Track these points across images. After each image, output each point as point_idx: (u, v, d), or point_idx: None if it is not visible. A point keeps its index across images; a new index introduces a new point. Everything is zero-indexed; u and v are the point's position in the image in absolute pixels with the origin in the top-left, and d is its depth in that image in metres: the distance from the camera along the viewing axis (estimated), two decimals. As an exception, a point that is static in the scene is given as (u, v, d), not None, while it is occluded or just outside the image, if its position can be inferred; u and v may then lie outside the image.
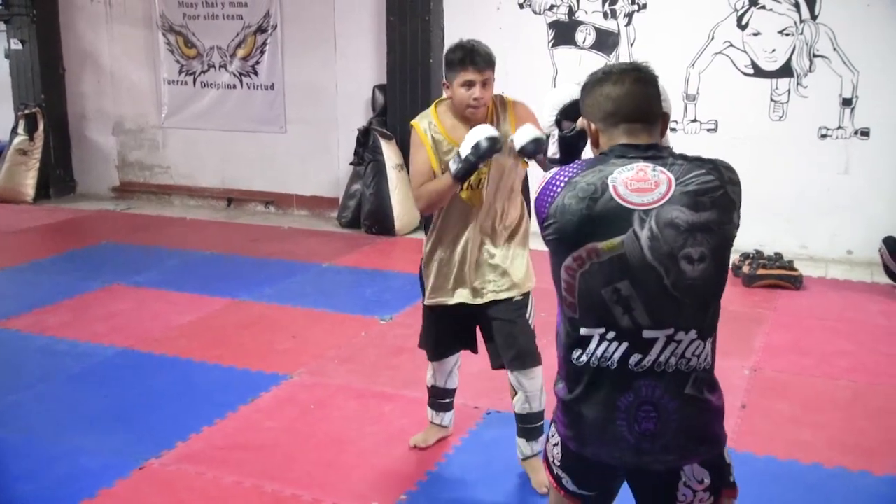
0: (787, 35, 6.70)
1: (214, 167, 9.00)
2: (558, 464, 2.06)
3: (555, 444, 2.07)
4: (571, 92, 2.20)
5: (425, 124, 3.21)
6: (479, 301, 3.28)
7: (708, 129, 6.92)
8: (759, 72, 6.81)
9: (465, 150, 2.98)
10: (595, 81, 1.99)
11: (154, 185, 9.34)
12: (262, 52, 8.52)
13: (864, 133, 6.64)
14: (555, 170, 1.95)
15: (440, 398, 3.63)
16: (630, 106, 1.93)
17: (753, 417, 3.96)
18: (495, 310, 3.27)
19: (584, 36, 7.29)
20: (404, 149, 7.73)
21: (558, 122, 2.22)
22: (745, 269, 6.05)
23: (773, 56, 6.77)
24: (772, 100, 6.82)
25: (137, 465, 3.50)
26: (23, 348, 4.87)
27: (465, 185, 3.15)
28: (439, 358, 3.51)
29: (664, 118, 2.00)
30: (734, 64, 6.85)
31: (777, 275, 6.00)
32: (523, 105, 3.30)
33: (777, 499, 3.26)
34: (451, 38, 7.64)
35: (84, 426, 3.88)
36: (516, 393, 3.30)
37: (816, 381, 4.42)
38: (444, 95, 3.20)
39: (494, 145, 2.97)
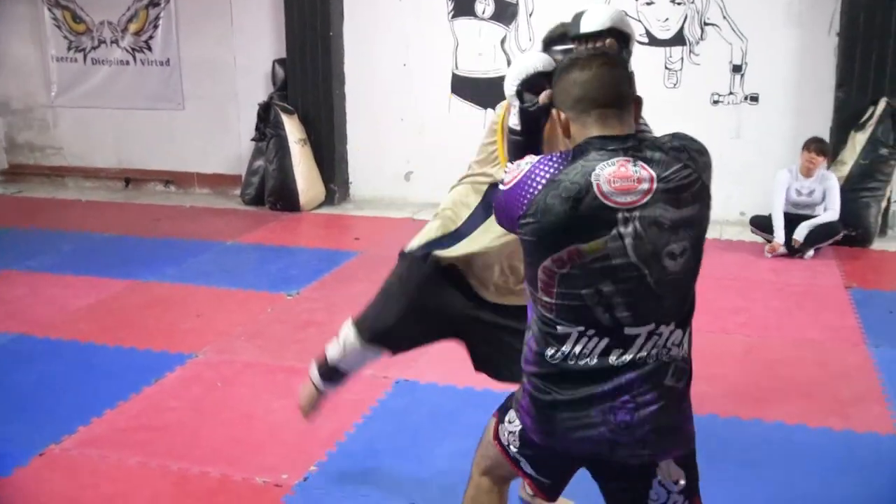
0: (679, 4, 6.88)
1: (110, 147, 8.71)
2: (515, 449, 2.05)
3: (511, 432, 2.05)
4: (536, 62, 2.10)
5: None
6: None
7: (606, 98, 7.05)
8: (653, 40, 6.98)
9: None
10: (563, 69, 1.93)
11: (46, 167, 8.98)
12: (156, 27, 8.26)
13: (754, 99, 6.90)
14: (529, 162, 1.87)
15: (332, 377, 3.00)
16: (598, 89, 1.85)
17: (653, 374, 4.10)
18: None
19: (484, 6, 7.32)
20: (307, 123, 7.66)
21: (520, 94, 2.10)
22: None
23: (667, 25, 6.94)
24: (666, 68, 7.01)
25: (37, 451, 3.39)
26: None
27: None
28: (379, 345, 2.86)
29: (637, 102, 1.94)
30: (629, 33, 6.99)
31: (675, 237, 6.19)
32: None
33: (676, 449, 3.39)
34: (351, 11, 7.61)
35: (-22, 415, 3.73)
36: None
37: (712, 337, 4.59)
38: None
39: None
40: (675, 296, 1.83)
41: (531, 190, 1.80)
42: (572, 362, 1.83)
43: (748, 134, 6.94)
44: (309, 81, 7.64)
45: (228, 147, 8.24)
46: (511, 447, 2.06)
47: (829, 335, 4.63)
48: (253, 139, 7.74)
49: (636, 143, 1.83)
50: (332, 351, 2.94)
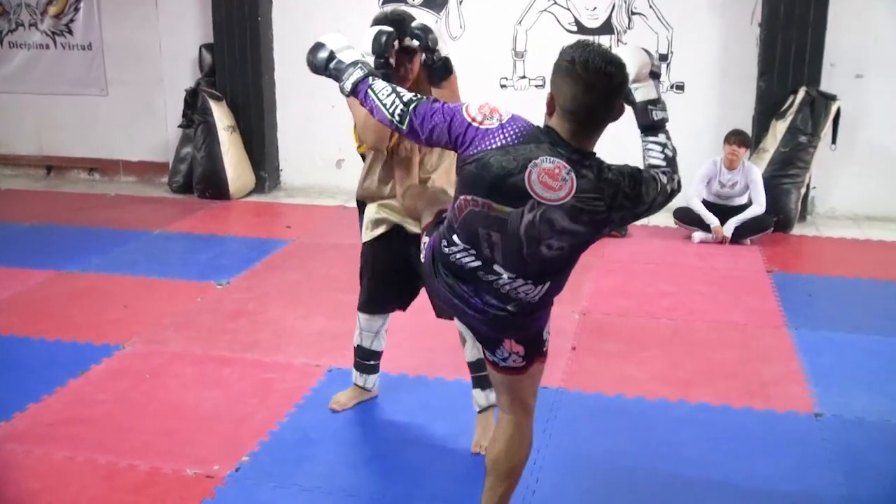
0: (607, -7, 6.97)
1: (30, 133, 8.44)
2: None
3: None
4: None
5: None
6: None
7: (536, 86, 7.12)
8: (582, 29, 7.05)
9: None
10: (570, 69, 2.09)
11: (-39, 155, 8.67)
12: (77, 10, 8.01)
13: (680, 87, 7.03)
14: (499, 120, 2.17)
15: (365, 359, 3.58)
16: (587, 114, 2.13)
17: (583, 358, 4.17)
18: None
19: (414, -7, 7.31)
20: (235, 110, 7.54)
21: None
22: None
23: (595, 14, 7.03)
24: (595, 56, 7.08)
25: (-44, 448, 3.29)
26: None
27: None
28: (371, 311, 3.46)
29: (615, 118, 2.21)
30: (559, 21, 7.06)
31: (604, 224, 6.28)
32: None
33: (604, 431, 3.46)
34: (279, -5, 7.51)
35: None
36: (465, 341, 3.22)
37: (640, 321, 4.70)
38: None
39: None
40: (539, 267, 2.24)
41: (490, 143, 2.16)
42: (454, 259, 2.31)
43: (674, 122, 6.87)
44: (237, 67, 7.52)
45: (155, 134, 8.07)
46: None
47: (751, 318, 4.77)
48: (180, 126, 7.59)
49: (580, 158, 2.13)
50: (355, 337, 3.56)
